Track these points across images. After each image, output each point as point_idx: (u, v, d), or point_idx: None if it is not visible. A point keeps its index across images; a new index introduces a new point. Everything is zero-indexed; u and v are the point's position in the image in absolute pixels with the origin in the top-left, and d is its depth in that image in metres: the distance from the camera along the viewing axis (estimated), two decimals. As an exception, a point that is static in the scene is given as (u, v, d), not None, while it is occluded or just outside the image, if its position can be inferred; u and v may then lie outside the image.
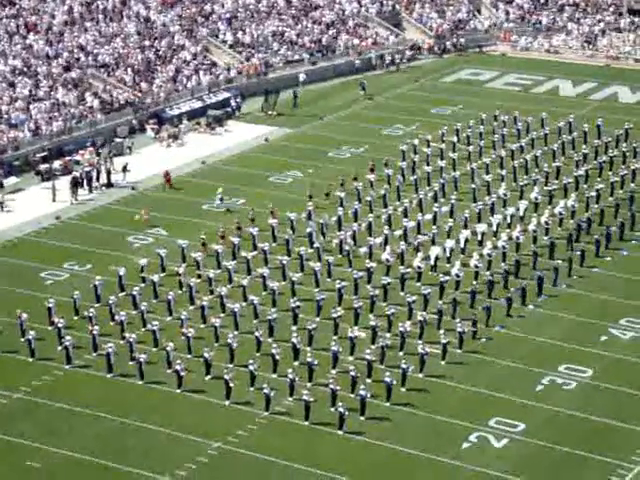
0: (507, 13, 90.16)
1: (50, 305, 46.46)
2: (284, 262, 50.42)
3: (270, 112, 73.15)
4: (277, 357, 42.78)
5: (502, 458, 38.48)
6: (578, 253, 51.63)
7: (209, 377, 42.60)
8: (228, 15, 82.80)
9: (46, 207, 58.98)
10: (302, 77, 78.15)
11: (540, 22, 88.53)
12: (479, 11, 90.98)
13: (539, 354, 44.85)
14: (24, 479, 37.56)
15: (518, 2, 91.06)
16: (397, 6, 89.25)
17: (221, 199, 58.27)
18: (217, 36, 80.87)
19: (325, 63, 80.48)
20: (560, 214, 55.47)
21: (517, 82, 79.58)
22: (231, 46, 79.50)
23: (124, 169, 62.71)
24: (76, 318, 46.77)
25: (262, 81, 77.25)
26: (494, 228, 54.14)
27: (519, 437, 39.57)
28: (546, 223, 54.30)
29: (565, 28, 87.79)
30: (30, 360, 44.18)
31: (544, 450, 38.93)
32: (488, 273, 49.64)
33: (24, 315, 45.40)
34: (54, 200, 59.69)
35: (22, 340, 44.90)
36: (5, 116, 66.85)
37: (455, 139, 65.92)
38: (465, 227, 53.99)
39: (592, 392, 42.42)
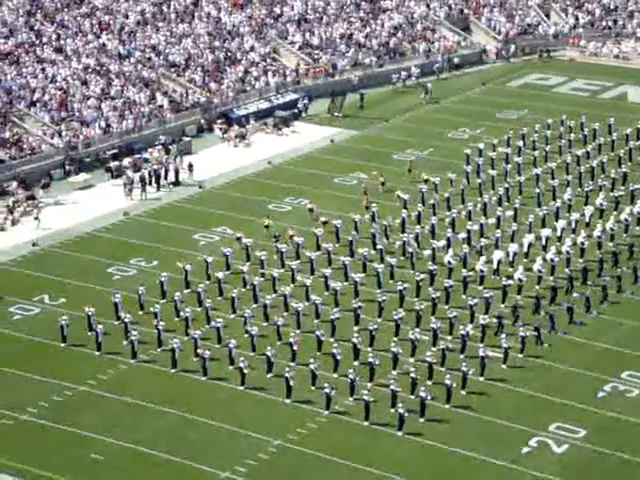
0: (577, 18, 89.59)
1: (117, 300, 47.27)
2: (347, 263, 50.79)
3: (336, 114, 73.50)
4: (338, 357, 43.15)
5: (562, 463, 38.43)
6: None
7: (270, 375, 43.09)
8: (297, 17, 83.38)
9: (115, 204, 59.94)
10: (355, 79, 77.86)
11: (610, 27, 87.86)
12: (548, 16, 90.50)
13: (601, 360, 44.67)
14: (88, 471, 38.25)
15: (588, 8, 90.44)
16: (465, 10, 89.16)
17: None
18: (286, 38, 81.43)
19: (392, 66, 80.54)
20: (626, 220, 55.18)
21: (585, 87, 79.03)
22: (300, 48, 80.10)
23: (190, 168, 63.56)
24: (141, 313, 47.55)
25: (329, 83, 77.62)
26: (559, 233, 54.00)
27: (580, 443, 39.48)
28: (611, 230, 54.05)
29: (634, 34, 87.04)
30: (97, 354, 45.00)
31: (605, 456, 38.78)
32: (551, 278, 49.57)
33: (92, 309, 46.30)
34: (131, 197, 60.42)
35: (89, 334, 45.81)
36: (77, 113, 68.08)
37: (521, 143, 65.78)
38: (529, 231, 53.92)
39: (654, 400, 42.20)
